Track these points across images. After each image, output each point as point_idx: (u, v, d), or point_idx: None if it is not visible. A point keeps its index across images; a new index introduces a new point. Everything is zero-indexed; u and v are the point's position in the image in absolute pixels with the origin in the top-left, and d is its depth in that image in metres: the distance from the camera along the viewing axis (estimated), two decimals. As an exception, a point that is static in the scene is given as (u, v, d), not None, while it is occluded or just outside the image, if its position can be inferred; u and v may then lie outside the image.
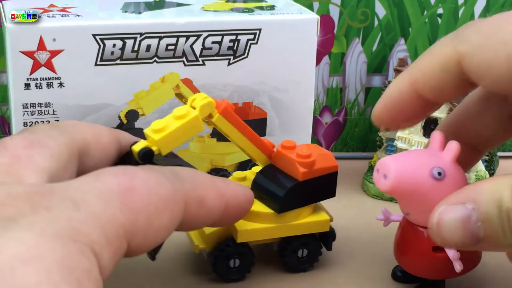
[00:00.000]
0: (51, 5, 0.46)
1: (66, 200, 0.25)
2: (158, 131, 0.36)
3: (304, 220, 0.41)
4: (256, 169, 0.42)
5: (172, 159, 0.37)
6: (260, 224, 0.40)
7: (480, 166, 0.51)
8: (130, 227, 0.27)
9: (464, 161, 0.38)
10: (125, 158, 0.37)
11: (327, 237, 0.42)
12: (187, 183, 0.31)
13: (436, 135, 0.37)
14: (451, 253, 0.37)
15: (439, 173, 0.35)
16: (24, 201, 0.25)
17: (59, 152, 0.31)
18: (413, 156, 0.37)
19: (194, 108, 0.37)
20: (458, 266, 0.37)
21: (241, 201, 0.35)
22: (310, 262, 0.42)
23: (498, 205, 0.31)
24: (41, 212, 0.24)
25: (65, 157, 0.31)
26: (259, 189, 0.40)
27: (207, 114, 0.38)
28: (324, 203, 0.42)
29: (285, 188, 0.39)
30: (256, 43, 0.46)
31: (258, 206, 0.40)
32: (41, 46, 0.42)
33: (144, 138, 0.37)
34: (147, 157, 0.35)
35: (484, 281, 0.41)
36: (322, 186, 0.41)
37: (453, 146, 0.36)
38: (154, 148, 0.36)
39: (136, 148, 0.36)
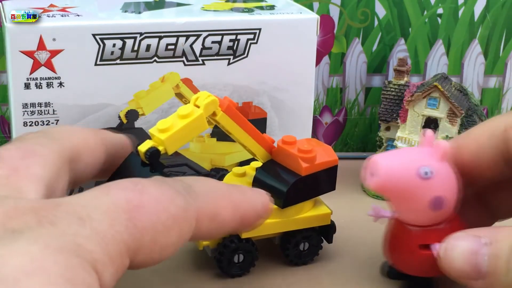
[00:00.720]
0: (51, 5, 0.46)
1: (72, 216, 0.25)
2: (164, 131, 0.36)
3: (307, 214, 0.41)
4: (255, 164, 0.42)
5: (178, 158, 0.37)
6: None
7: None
8: (135, 245, 0.26)
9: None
10: (128, 159, 0.37)
11: (327, 230, 0.42)
12: (200, 198, 0.30)
13: (428, 133, 0.37)
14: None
15: (426, 173, 0.35)
16: (31, 215, 0.25)
17: (52, 160, 0.31)
18: (402, 154, 0.37)
19: (198, 106, 0.37)
20: None
21: (259, 210, 0.34)
22: (311, 255, 0.42)
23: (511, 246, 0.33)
24: (46, 226, 0.24)
25: (58, 165, 0.31)
26: (261, 184, 0.40)
27: (211, 112, 0.38)
28: (325, 202, 0.43)
29: (288, 183, 0.39)
30: (256, 43, 0.46)
31: None
32: (41, 46, 0.42)
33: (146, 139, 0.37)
34: (154, 157, 0.35)
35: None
36: (323, 180, 0.41)
37: (442, 145, 0.36)
38: (160, 148, 0.36)
39: (143, 148, 0.36)
